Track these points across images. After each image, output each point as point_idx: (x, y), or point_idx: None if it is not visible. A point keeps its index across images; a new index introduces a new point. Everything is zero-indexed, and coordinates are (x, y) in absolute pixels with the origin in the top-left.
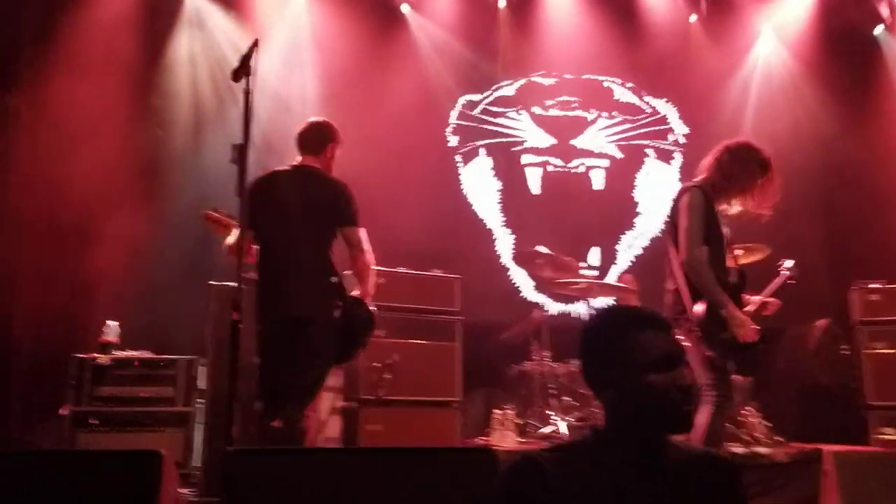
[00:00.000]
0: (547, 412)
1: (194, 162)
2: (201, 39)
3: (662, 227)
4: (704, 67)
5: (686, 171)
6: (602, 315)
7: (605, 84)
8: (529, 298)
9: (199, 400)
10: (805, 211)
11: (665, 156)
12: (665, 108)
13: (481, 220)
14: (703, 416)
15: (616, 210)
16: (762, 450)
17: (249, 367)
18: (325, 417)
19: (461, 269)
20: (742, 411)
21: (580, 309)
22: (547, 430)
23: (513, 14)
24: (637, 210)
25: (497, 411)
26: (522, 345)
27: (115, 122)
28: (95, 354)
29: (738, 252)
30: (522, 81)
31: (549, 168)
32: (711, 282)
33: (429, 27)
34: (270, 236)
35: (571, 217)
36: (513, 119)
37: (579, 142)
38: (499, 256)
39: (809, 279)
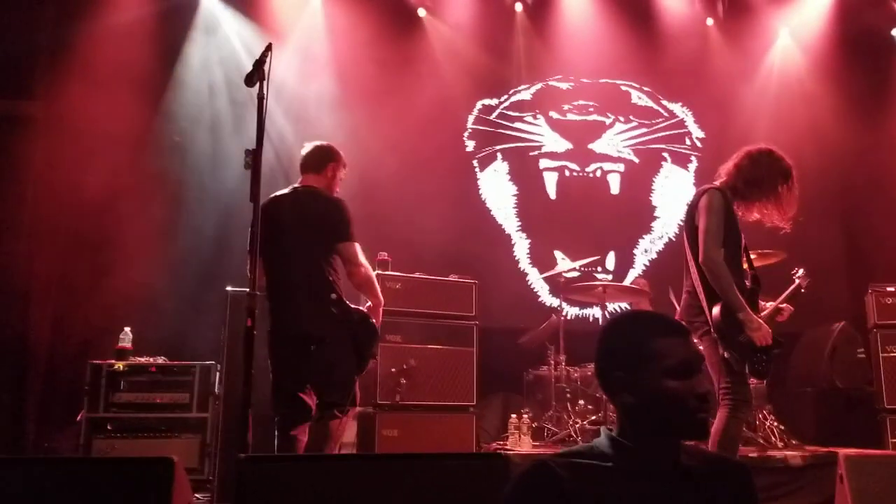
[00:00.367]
0: (563, 416)
1: (212, 169)
2: (216, 45)
3: (678, 230)
4: (721, 71)
5: (702, 176)
6: (622, 319)
7: (622, 88)
8: (546, 303)
9: (216, 405)
10: (821, 214)
11: (681, 160)
12: (681, 112)
13: (498, 225)
14: (720, 420)
15: (633, 214)
16: (777, 453)
17: (262, 373)
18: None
19: (478, 273)
20: (757, 415)
21: (596, 313)
22: (562, 434)
23: (529, 18)
24: (654, 214)
25: (513, 416)
26: (539, 349)
27: (132, 130)
28: (111, 361)
29: (752, 256)
30: (539, 86)
31: (566, 173)
32: (729, 283)
33: (446, 31)
34: (271, 259)
35: (588, 221)
36: (530, 123)
37: (596, 146)
38: (516, 261)
39: (825, 282)
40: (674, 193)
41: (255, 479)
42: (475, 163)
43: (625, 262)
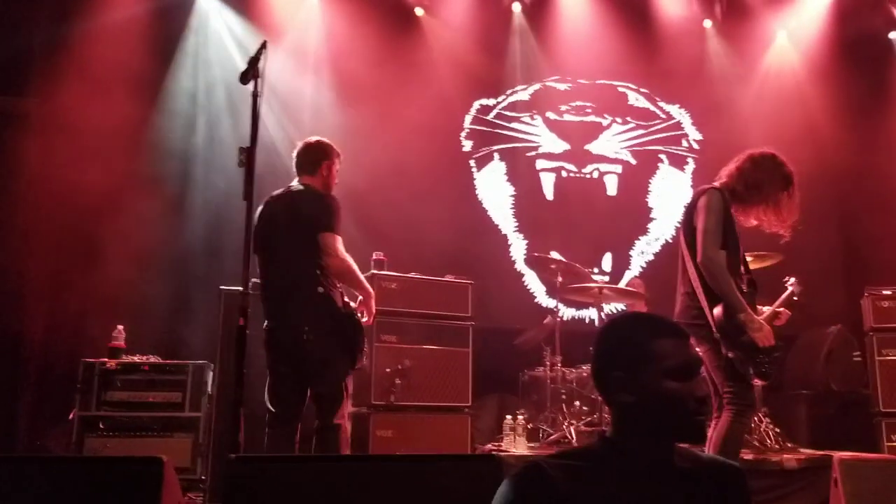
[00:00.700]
0: (558, 418)
1: (206, 167)
2: (212, 43)
3: (674, 232)
4: (719, 73)
5: (699, 178)
6: (622, 319)
7: (620, 89)
8: (542, 304)
9: (208, 405)
10: (818, 217)
11: (678, 162)
12: (679, 113)
13: (495, 226)
14: (723, 424)
15: (629, 216)
16: (772, 456)
17: (256, 373)
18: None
19: (474, 274)
20: (753, 417)
21: (592, 314)
22: (557, 435)
23: (527, 18)
24: (650, 216)
25: (508, 417)
26: (535, 350)
27: (127, 128)
28: (104, 359)
29: (748, 259)
30: (537, 86)
31: (564, 173)
32: (728, 284)
33: (443, 30)
34: (265, 259)
35: (585, 223)
36: (527, 124)
37: (593, 147)
38: (512, 262)
39: (822, 285)
40: (670, 195)
41: (245, 480)
42: (472, 163)
43: (621, 264)
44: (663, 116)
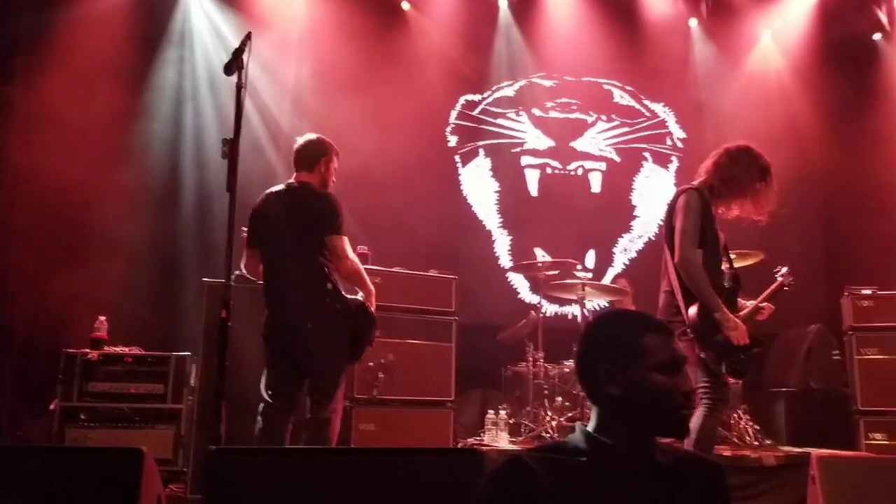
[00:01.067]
0: (540, 413)
1: (190, 158)
2: (198, 34)
3: (658, 229)
4: (703, 72)
5: (683, 176)
6: (610, 315)
7: (605, 87)
8: (525, 300)
9: (190, 397)
10: (800, 217)
11: (662, 160)
12: (663, 112)
13: (479, 221)
14: (696, 420)
15: (613, 213)
16: (751, 453)
17: (239, 365)
18: None
19: (458, 269)
20: (732, 414)
21: (575, 311)
22: (539, 430)
23: (514, 14)
24: (634, 213)
25: (491, 412)
26: (517, 346)
27: (110, 118)
28: (86, 350)
29: (732, 256)
30: (523, 82)
31: (548, 170)
32: (705, 284)
33: (429, 25)
34: (266, 252)
35: (569, 219)
36: (512, 120)
37: (578, 144)
38: (496, 257)
39: (802, 284)
40: (654, 193)
41: (225, 472)
42: (457, 158)
43: (604, 261)
44: (648, 114)
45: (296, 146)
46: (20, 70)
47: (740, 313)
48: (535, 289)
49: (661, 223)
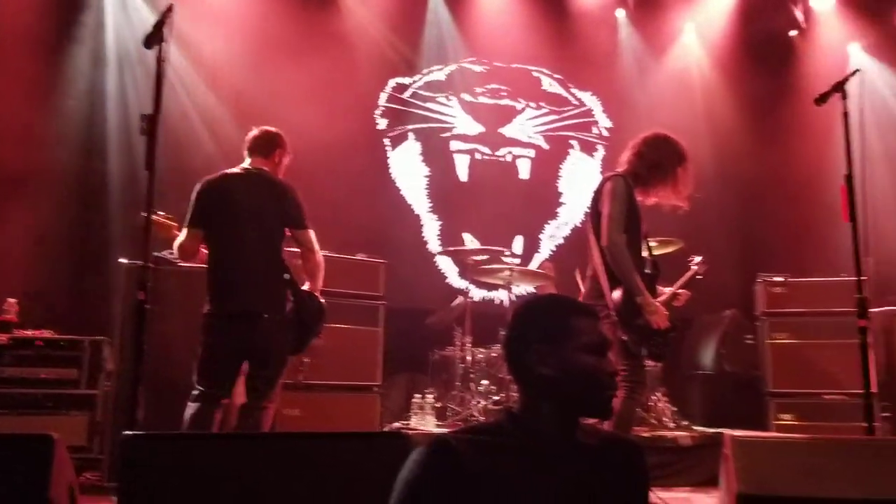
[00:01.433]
0: (466, 396)
1: (110, 134)
2: (120, 5)
3: (584, 216)
4: (629, 62)
5: (608, 164)
6: (542, 297)
7: (534, 74)
8: (453, 284)
9: (107, 382)
10: (717, 206)
11: (589, 148)
12: (590, 100)
13: (408, 205)
14: (615, 402)
15: (540, 199)
16: (667, 433)
17: (156, 349)
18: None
19: (386, 253)
20: (651, 396)
21: (502, 296)
22: (465, 414)
23: None
24: (561, 200)
25: (417, 396)
26: (445, 330)
27: (26, 91)
28: None
29: (652, 244)
30: (453, 67)
31: (478, 156)
32: (629, 268)
33: (360, 6)
34: (222, 236)
35: (497, 205)
36: (443, 104)
37: (507, 131)
38: (425, 242)
39: (718, 272)
40: (580, 181)
41: (141, 458)
42: (387, 141)
43: (531, 247)
44: (575, 103)
45: (252, 134)
46: None
47: (659, 299)
48: (463, 274)
49: (588, 210)
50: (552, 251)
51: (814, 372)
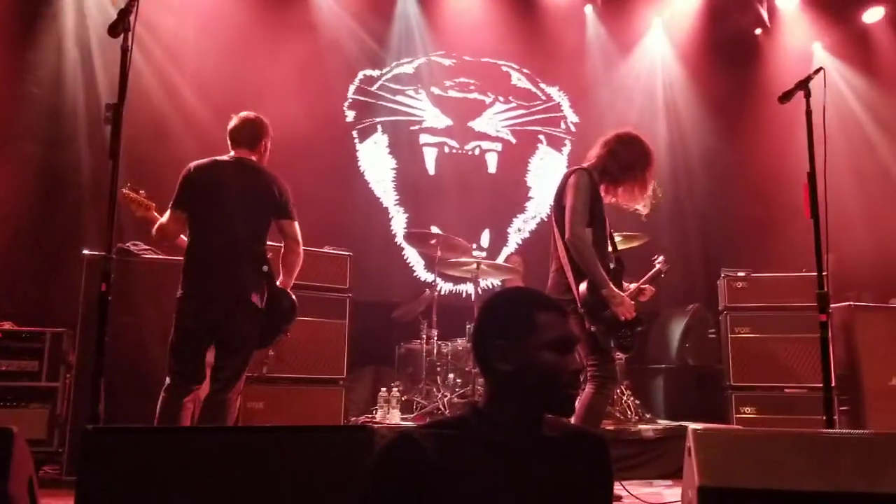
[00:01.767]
0: (432, 390)
1: (74, 123)
2: None
3: (550, 211)
4: (597, 58)
5: (575, 159)
6: (508, 291)
7: (503, 68)
8: (420, 277)
9: (68, 375)
10: (681, 202)
11: (556, 143)
12: (558, 95)
13: (376, 198)
14: (586, 396)
15: (508, 193)
16: (631, 426)
17: (118, 342)
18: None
19: (353, 246)
20: (615, 390)
21: (469, 289)
22: (431, 407)
23: None
24: (528, 194)
25: (383, 389)
26: (412, 323)
27: None
28: None
29: (617, 239)
30: (422, 60)
31: (446, 149)
32: (594, 261)
33: None
34: (208, 221)
35: (465, 199)
36: (411, 97)
37: (476, 124)
38: (392, 235)
39: (682, 267)
40: (548, 175)
41: (103, 452)
42: (355, 133)
43: (499, 240)
44: (544, 98)
45: (235, 122)
46: None
47: (626, 292)
48: (430, 267)
49: (552, 204)
50: (519, 245)
51: (775, 366)
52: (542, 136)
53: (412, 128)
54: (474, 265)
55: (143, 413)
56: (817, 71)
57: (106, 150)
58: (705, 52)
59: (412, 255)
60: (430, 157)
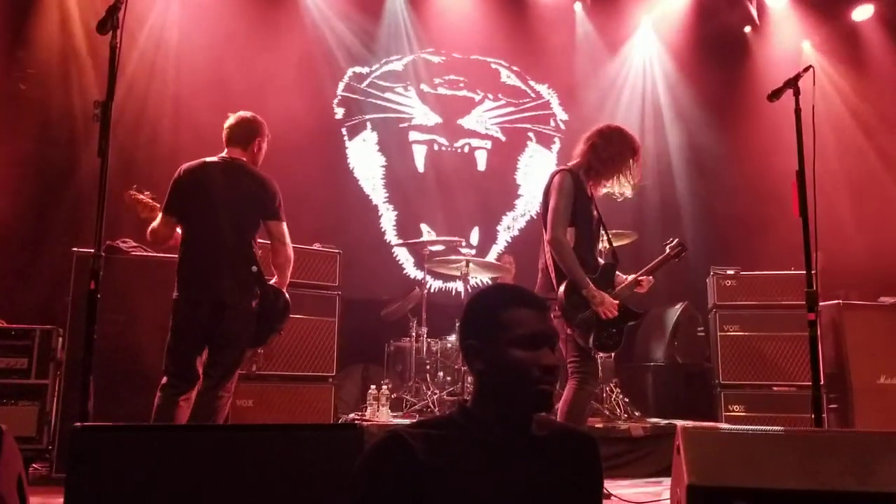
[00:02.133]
0: (422, 388)
1: (62, 120)
2: None
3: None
4: (586, 55)
5: (564, 156)
6: (485, 289)
7: (493, 66)
8: (410, 275)
9: (57, 372)
10: (670, 200)
11: (546, 140)
12: (548, 93)
13: (365, 195)
14: (568, 393)
15: (498, 191)
16: (620, 425)
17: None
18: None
19: (343, 243)
20: (605, 388)
21: (459, 287)
22: (420, 405)
23: None
24: (518, 192)
25: (373, 387)
26: (401, 321)
27: None
28: None
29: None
30: (411, 57)
31: (435, 147)
32: (573, 261)
33: None
34: (197, 224)
35: (455, 196)
36: (400, 95)
37: (465, 122)
38: (382, 232)
39: (671, 264)
40: (537, 173)
41: (91, 450)
42: (344, 131)
43: (488, 238)
44: (533, 95)
45: (231, 121)
46: None
47: (620, 286)
48: (419, 264)
49: (541, 203)
50: (508, 242)
51: (763, 364)
52: (531, 134)
53: (401, 125)
54: (463, 263)
55: (133, 410)
56: (806, 69)
57: (89, 147)
58: (694, 49)
59: (402, 253)
60: (419, 155)
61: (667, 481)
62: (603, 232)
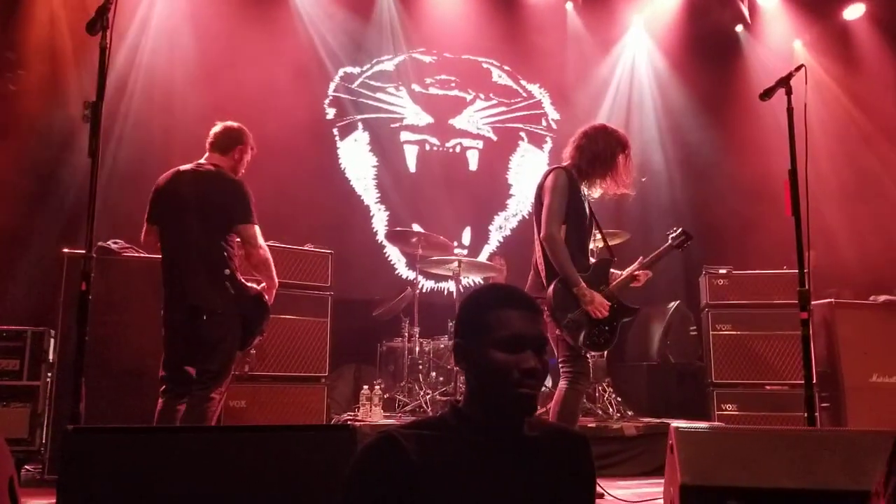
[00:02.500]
0: (414, 388)
1: (52, 120)
2: None
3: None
4: (577, 55)
5: (556, 156)
6: (476, 290)
7: (484, 65)
8: (402, 275)
9: (49, 374)
10: (663, 199)
11: (537, 140)
12: (539, 93)
13: (357, 196)
14: (559, 393)
15: (489, 191)
16: (613, 424)
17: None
18: None
19: (334, 244)
20: (597, 387)
21: (451, 287)
22: (413, 405)
23: None
24: (510, 192)
25: (365, 387)
26: (393, 321)
27: None
28: None
29: (597, 237)
30: (402, 57)
31: (427, 147)
32: (565, 259)
33: None
34: (168, 230)
35: (446, 196)
36: (392, 95)
37: (457, 122)
38: (374, 232)
39: (663, 264)
40: (529, 173)
41: (84, 452)
42: (335, 131)
43: (480, 238)
44: (524, 95)
45: (215, 129)
46: None
47: (614, 282)
48: (411, 265)
49: (533, 203)
50: (500, 242)
51: (756, 363)
52: (523, 134)
53: (393, 125)
54: (455, 263)
55: (126, 411)
56: (798, 68)
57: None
58: (686, 48)
59: (393, 253)
60: (410, 155)
61: (660, 481)
62: (596, 230)
